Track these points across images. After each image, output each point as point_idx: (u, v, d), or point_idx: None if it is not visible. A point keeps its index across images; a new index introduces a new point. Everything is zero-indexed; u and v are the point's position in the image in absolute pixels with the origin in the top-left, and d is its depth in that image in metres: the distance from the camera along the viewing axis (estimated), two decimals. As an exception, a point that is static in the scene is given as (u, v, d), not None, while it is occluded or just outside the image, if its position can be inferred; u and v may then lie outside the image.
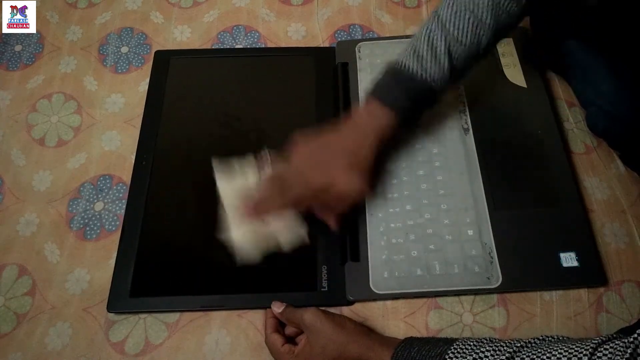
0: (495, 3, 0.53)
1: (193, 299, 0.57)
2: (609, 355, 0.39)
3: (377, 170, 0.62)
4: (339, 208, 0.56)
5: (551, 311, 0.56)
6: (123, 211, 0.63)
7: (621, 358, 0.38)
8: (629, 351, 0.38)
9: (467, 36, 0.54)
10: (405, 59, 0.56)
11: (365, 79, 0.71)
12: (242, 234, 0.56)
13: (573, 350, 0.41)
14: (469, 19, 0.54)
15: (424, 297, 0.57)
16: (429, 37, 0.55)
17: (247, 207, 0.56)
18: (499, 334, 0.55)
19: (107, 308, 0.57)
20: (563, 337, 0.46)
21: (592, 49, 0.65)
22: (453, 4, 0.55)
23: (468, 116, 0.67)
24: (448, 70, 0.55)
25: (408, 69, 0.55)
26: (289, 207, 0.56)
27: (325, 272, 0.58)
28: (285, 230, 0.56)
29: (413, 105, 0.56)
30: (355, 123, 0.56)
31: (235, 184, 0.58)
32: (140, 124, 0.69)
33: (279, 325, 0.54)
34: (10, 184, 0.67)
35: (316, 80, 0.72)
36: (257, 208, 0.55)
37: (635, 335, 0.38)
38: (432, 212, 0.60)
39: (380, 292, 0.56)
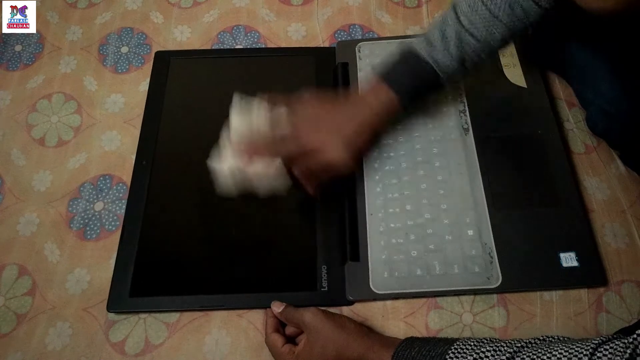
0: (513, 1, 0.53)
1: (193, 298, 0.57)
2: (609, 356, 0.39)
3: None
4: (322, 176, 0.57)
5: (551, 311, 0.56)
6: (123, 211, 0.63)
7: (621, 358, 0.38)
8: (628, 351, 0.38)
9: (479, 30, 0.55)
10: (417, 43, 0.57)
11: (366, 79, 0.71)
12: (227, 167, 0.58)
13: (573, 351, 0.41)
14: (483, 13, 0.54)
15: (424, 297, 0.57)
16: (442, 25, 0.56)
17: (241, 144, 0.58)
18: (499, 334, 0.55)
19: (107, 308, 0.57)
20: (563, 337, 0.46)
21: (591, 49, 0.65)
22: None
23: (468, 116, 0.67)
24: (457, 61, 0.56)
25: (418, 55, 0.56)
26: (276, 157, 0.58)
27: (325, 272, 0.58)
28: (265, 177, 0.58)
29: (417, 91, 0.58)
30: (359, 100, 0.59)
31: (244, 121, 0.60)
32: (140, 124, 0.69)
33: (280, 325, 0.54)
34: (10, 184, 0.67)
35: (316, 80, 0.72)
36: (249, 148, 0.58)
37: (635, 336, 0.38)
38: (432, 212, 0.60)
39: (380, 292, 0.56)
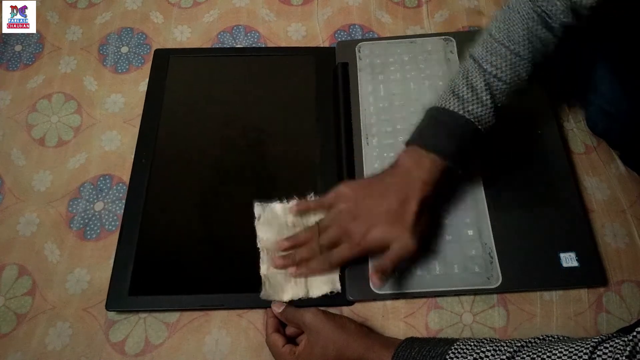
0: (531, 35, 0.52)
1: (193, 298, 0.57)
2: (609, 354, 0.39)
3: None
4: (387, 263, 0.52)
5: (551, 311, 0.56)
6: (123, 211, 0.63)
7: (620, 356, 0.38)
8: (628, 349, 0.38)
9: (505, 72, 0.53)
10: (444, 101, 0.54)
11: (366, 79, 0.71)
12: (273, 277, 0.56)
13: (573, 349, 0.41)
14: (504, 54, 0.52)
15: (424, 297, 0.57)
16: (467, 77, 0.53)
17: (282, 260, 0.55)
18: (499, 334, 0.55)
19: (106, 306, 0.57)
20: (563, 336, 0.46)
21: (592, 49, 0.65)
22: (486, 41, 0.54)
23: (468, 116, 0.67)
24: (492, 108, 0.53)
25: (450, 111, 0.53)
26: (330, 269, 0.55)
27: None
28: (317, 279, 0.55)
29: (460, 148, 0.53)
30: (400, 172, 0.54)
31: (272, 232, 0.57)
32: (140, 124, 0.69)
33: (280, 325, 0.54)
34: (10, 184, 0.67)
35: (316, 80, 0.72)
36: (294, 263, 0.54)
37: (634, 333, 0.39)
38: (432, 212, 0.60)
39: (380, 292, 0.56)
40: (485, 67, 0.53)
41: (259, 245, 0.58)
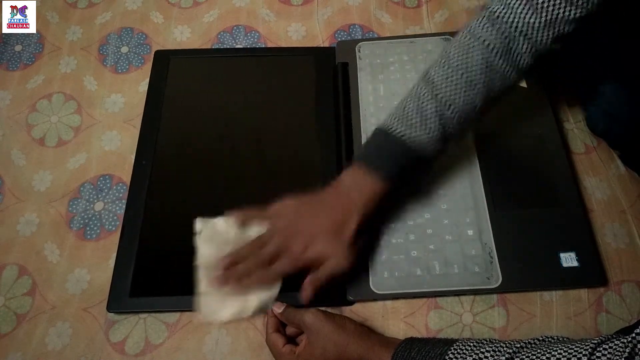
0: (489, 64, 0.51)
1: (193, 298, 0.57)
2: (608, 355, 0.39)
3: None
4: (320, 278, 0.52)
5: (551, 311, 0.56)
6: (123, 211, 0.63)
7: (620, 357, 0.38)
8: (627, 350, 0.38)
9: (459, 97, 0.52)
10: (394, 121, 0.54)
11: (366, 78, 0.71)
12: (211, 295, 0.53)
13: (572, 351, 0.41)
14: (461, 78, 0.51)
15: (424, 297, 0.57)
16: (418, 99, 0.53)
17: (219, 276, 0.53)
18: (499, 334, 0.55)
19: (107, 308, 0.57)
20: (563, 337, 0.46)
21: (592, 49, 0.65)
22: (445, 62, 0.52)
23: (468, 116, 0.67)
24: (438, 137, 0.53)
25: (397, 134, 0.53)
26: (269, 282, 0.53)
27: (325, 272, 0.58)
28: (257, 294, 0.53)
29: (403, 172, 0.54)
30: (342, 191, 0.54)
31: (212, 248, 0.55)
32: (140, 124, 0.69)
33: (280, 325, 0.54)
34: (10, 184, 0.67)
35: (316, 80, 0.72)
36: (235, 278, 0.52)
37: (634, 335, 0.39)
38: (432, 212, 0.60)
39: (380, 292, 0.56)
40: (439, 89, 0.52)
41: (197, 262, 0.55)
